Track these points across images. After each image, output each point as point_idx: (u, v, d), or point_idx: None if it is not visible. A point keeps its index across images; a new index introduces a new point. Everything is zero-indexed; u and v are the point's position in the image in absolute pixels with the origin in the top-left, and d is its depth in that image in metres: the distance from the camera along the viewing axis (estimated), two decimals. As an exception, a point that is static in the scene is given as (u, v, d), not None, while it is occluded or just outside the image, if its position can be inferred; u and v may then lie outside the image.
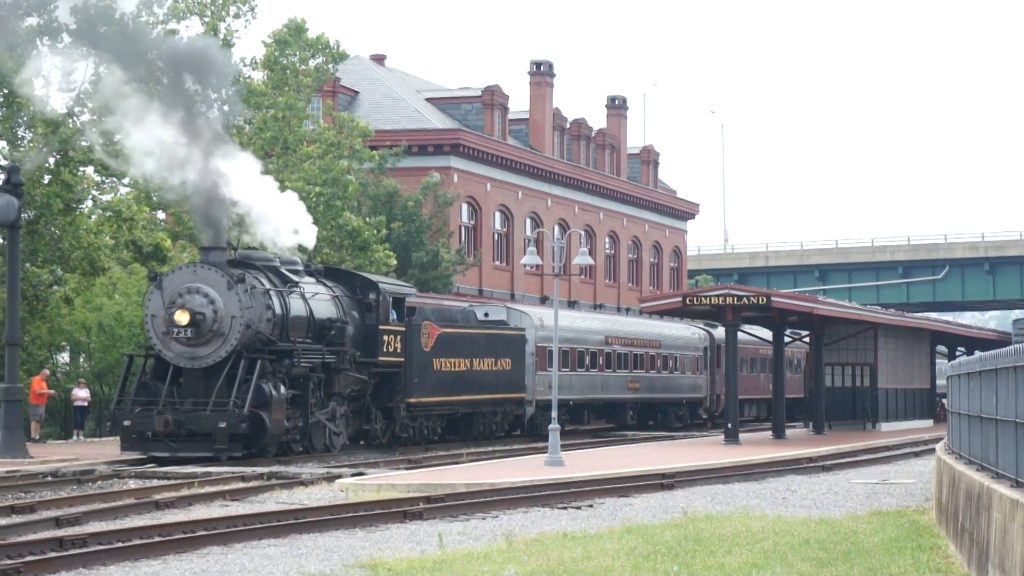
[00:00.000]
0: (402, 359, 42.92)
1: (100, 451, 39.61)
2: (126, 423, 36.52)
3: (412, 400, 43.44)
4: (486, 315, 51.05)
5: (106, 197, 47.02)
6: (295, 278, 39.98)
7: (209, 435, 35.98)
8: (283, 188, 45.94)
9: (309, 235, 42.42)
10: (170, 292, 37.26)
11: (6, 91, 43.25)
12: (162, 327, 37.14)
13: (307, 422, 38.79)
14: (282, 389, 37.28)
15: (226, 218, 38.41)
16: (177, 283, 37.37)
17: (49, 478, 31.97)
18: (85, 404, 46.97)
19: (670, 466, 34.04)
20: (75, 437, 46.10)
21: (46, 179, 44.80)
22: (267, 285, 38.37)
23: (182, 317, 36.78)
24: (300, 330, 39.20)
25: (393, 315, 42.74)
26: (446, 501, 26.15)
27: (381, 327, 42.03)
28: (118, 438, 37.71)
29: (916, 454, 43.21)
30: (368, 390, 42.01)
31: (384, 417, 42.99)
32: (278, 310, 38.33)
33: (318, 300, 40.36)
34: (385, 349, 42.17)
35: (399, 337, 42.86)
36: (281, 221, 40.97)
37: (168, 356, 37.23)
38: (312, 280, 41.02)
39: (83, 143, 43.74)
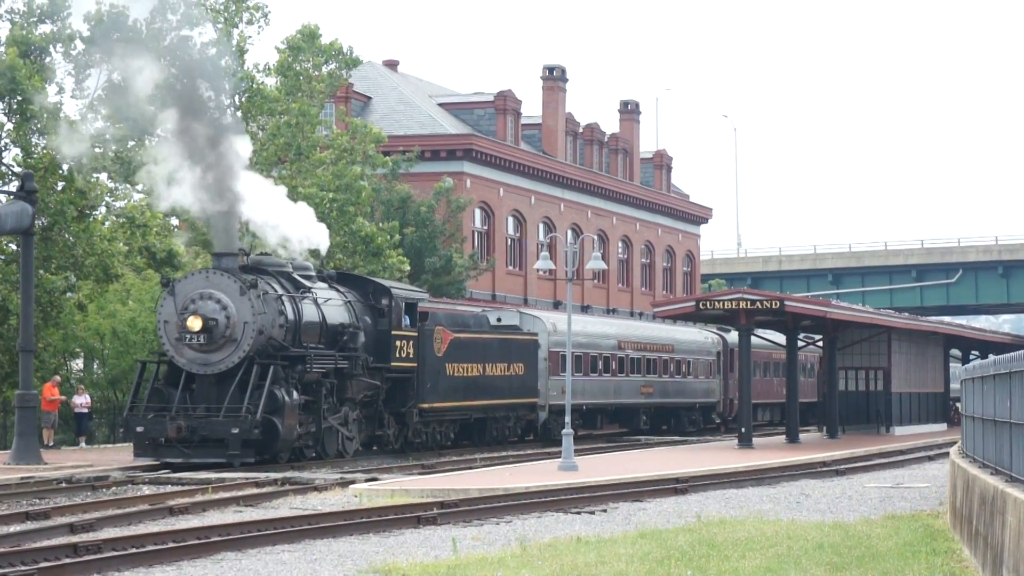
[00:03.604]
0: (415, 364, 42.93)
1: (114, 457, 39.65)
2: (139, 429, 36.56)
3: (425, 405, 43.44)
4: (499, 320, 51.03)
5: (119, 204, 47.10)
6: (308, 283, 39.99)
7: (222, 441, 36.02)
8: (296, 194, 46.00)
9: (322, 240, 42.46)
10: (183, 298, 37.28)
11: (20, 98, 43.32)
12: (175, 333, 37.17)
13: (320, 427, 38.81)
14: (295, 395, 37.30)
15: (239, 224, 38.43)
16: (190, 289, 37.41)
17: (63, 484, 31.99)
18: (85, 410, 46.89)
19: (684, 471, 34.03)
20: (79, 444, 46.10)
21: (60, 186, 44.90)
22: (279, 291, 38.39)
23: (195, 323, 36.80)
24: (312, 335, 39.22)
25: (406, 320, 42.75)
26: (460, 506, 26.16)
27: (394, 332, 42.04)
28: (131, 444, 37.75)
29: (930, 458, 43.16)
30: (381, 395, 42.01)
31: (397, 422, 43.00)
32: (290, 315, 38.35)
33: (331, 305, 40.37)
34: (398, 354, 42.17)
35: (412, 342, 42.86)
36: (293, 227, 40.99)
37: (181, 362, 37.26)
38: (325, 285, 41.03)
39: (96, 149, 43.81)
